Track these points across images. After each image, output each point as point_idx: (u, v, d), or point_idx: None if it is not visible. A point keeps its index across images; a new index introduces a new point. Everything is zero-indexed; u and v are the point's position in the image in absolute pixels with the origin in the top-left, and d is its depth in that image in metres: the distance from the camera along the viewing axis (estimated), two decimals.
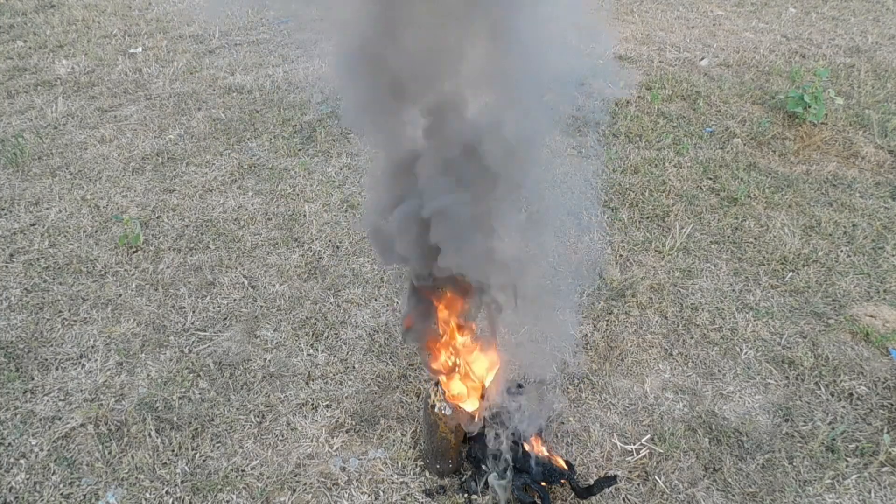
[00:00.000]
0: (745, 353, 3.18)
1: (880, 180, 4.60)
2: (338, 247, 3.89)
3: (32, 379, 2.98)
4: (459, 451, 2.55)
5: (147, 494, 2.50)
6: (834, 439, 2.75)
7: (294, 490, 2.53)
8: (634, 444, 2.72)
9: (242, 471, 2.60)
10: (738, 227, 4.08)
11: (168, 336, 3.23)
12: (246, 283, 3.59)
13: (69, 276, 3.61)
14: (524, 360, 3.01)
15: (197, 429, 2.76)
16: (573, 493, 2.48)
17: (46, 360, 3.08)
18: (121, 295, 3.48)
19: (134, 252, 3.80)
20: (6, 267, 3.66)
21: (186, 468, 2.60)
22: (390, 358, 3.13)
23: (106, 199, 4.29)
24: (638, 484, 2.57)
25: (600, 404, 2.92)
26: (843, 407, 2.91)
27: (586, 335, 3.27)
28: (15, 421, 2.78)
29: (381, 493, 2.52)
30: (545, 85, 1.95)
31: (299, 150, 4.91)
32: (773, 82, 5.93)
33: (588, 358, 3.14)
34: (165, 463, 2.62)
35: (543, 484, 2.41)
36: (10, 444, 2.68)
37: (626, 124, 5.20)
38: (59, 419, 2.79)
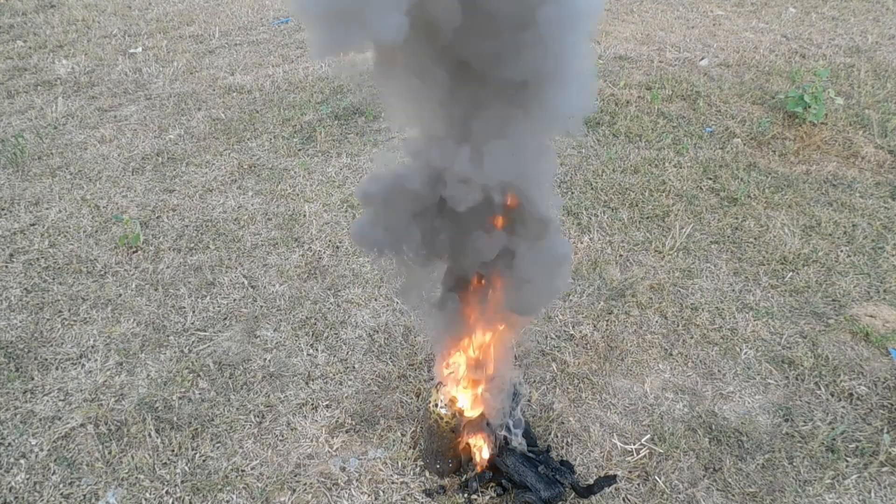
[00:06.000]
0: (745, 353, 3.18)
1: (880, 180, 4.60)
2: (338, 247, 3.89)
3: (32, 379, 2.98)
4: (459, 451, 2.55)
5: (147, 494, 2.50)
6: (834, 439, 2.75)
7: (294, 490, 2.53)
8: (634, 444, 2.72)
9: (242, 471, 2.60)
10: (738, 227, 4.08)
11: (168, 336, 3.23)
12: (246, 283, 3.59)
13: (69, 276, 3.61)
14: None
15: (197, 429, 2.76)
16: (573, 493, 2.48)
17: (46, 360, 3.08)
18: (121, 295, 3.48)
19: (134, 252, 3.80)
20: (6, 267, 3.66)
21: (186, 468, 2.60)
22: (390, 358, 3.13)
23: (106, 199, 4.29)
24: (638, 484, 2.57)
25: (600, 404, 2.92)
26: (843, 407, 2.92)
27: (586, 335, 3.27)
28: (15, 421, 2.78)
29: (381, 493, 2.52)
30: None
31: (299, 150, 4.91)
32: (773, 82, 5.93)
33: (588, 358, 3.14)
34: (165, 463, 2.62)
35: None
36: (10, 444, 2.68)
37: (626, 124, 5.20)
38: (59, 419, 2.79)
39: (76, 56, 6.50)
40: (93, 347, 3.16)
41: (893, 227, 4.08)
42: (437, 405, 2.44)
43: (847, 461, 2.66)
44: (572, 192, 4.39)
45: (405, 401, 2.91)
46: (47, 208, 4.17)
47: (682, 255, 3.83)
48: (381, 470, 2.60)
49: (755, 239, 3.97)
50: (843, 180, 4.58)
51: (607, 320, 3.36)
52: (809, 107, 5.04)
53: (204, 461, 2.64)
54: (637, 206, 4.27)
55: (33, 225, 4.01)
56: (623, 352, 3.19)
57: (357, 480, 2.57)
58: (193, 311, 3.38)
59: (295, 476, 2.59)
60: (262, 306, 3.43)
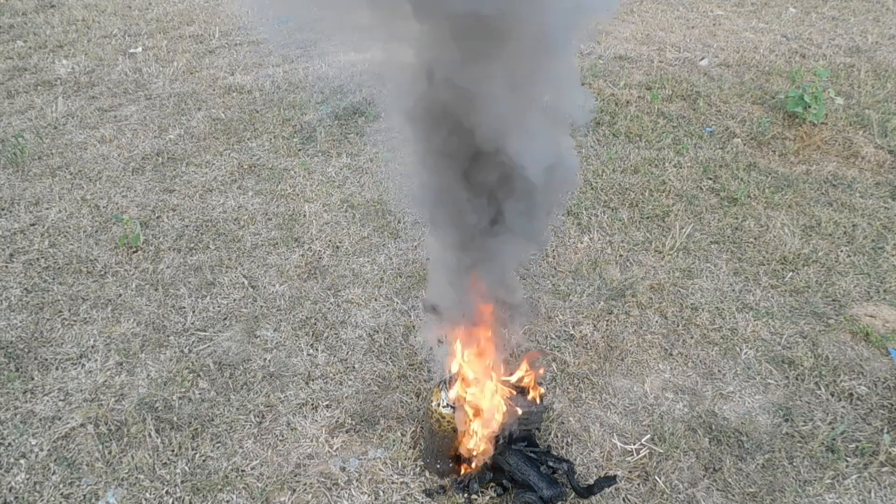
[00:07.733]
0: (745, 353, 3.18)
1: (880, 180, 4.60)
2: (338, 247, 3.89)
3: (32, 379, 2.98)
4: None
5: (147, 494, 2.50)
6: (834, 439, 2.75)
7: (294, 490, 2.53)
8: (634, 444, 2.72)
9: (242, 471, 2.60)
10: (738, 227, 4.08)
11: (168, 336, 3.23)
12: (246, 283, 3.59)
13: (69, 276, 3.60)
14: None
15: (197, 429, 2.76)
16: (573, 493, 2.48)
17: (46, 360, 3.08)
18: (121, 295, 3.48)
19: (134, 252, 3.80)
20: (6, 267, 3.66)
21: (186, 468, 2.60)
22: (390, 358, 3.13)
23: (106, 199, 4.29)
24: (638, 484, 2.57)
25: (600, 404, 2.92)
26: (843, 407, 2.92)
27: (586, 335, 3.27)
28: (15, 421, 2.78)
29: (381, 493, 2.52)
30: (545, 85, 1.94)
31: (299, 150, 4.91)
32: (773, 82, 5.93)
33: (588, 358, 3.14)
34: (165, 463, 2.62)
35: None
36: (10, 444, 2.68)
37: (626, 124, 5.20)
38: (59, 419, 2.79)
39: (76, 56, 6.49)
40: (93, 347, 3.16)
41: (893, 227, 4.08)
42: (438, 405, 2.44)
43: (847, 461, 2.66)
44: (572, 192, 4.39)
45: (405, 401, 2.91)
46: (47, 208, 4.17)
47: (682, 255, 3.83)
48: (381, 470, 2.60)
49: (755, 239, 3.97)
50: (843, 180, 4.58)
51: (607, 320, 3.36)
52: (809, 107, 5.04)
53: (204, 461, 2.64)
54: (637, 206, 4.27)
55: (33, 225, 4.01)
56: (623, 352, 3.19)
57: (357, 480, 2.57)
58: (193, 311, 3.38)
59: (295, 476, 2.59)
60: (262, 306, 3.43)
